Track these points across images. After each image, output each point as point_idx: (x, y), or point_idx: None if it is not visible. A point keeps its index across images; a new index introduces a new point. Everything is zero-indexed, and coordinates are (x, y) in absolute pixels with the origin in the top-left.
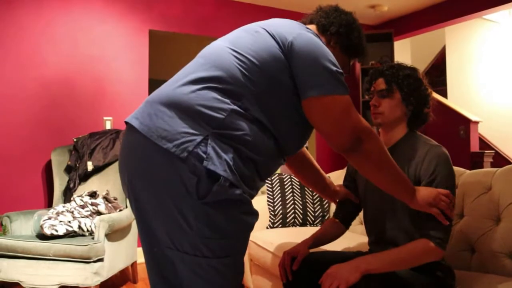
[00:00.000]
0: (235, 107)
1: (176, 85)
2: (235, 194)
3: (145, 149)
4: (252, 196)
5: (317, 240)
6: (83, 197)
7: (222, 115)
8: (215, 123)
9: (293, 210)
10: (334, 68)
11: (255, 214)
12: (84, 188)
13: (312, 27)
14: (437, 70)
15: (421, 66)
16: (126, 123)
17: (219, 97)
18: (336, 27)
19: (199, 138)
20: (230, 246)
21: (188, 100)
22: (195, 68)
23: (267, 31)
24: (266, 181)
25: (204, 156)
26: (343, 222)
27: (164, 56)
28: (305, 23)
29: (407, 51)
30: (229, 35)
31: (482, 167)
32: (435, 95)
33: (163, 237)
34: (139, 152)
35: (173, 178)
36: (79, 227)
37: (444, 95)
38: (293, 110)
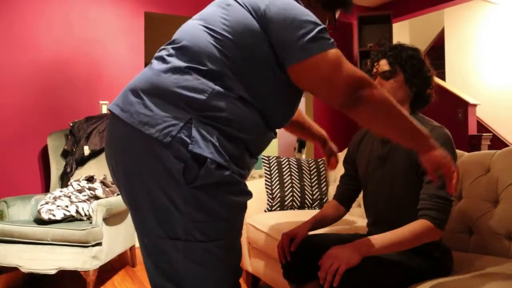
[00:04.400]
0: (217, 87)
1: (154, 68)
2: (223, 176)
3: (127, 136)
4: (243, 176)
5: (317, 222)
6: (80, 181)
7: (204, 96)
8: (197, 105)
9: (291, 193)
10: (316, 26)
11: (247, 194)
12: (81, 173)
13: None
14: (436, 53)
15: (420, 48)
16: (109, 110)
17: (199, 78)
18: None
19: (182, 122)
20: (223, 228)
21: (168, 83)
22: (172, 50)
23: (238, 2)
24: (264, 164)
25: (188, 140)
26: (343, 204)
27: (161, 40)
28: None
29: (405, 33)
30: (202, 12)
31: (479, 150)
32: (434, 78)
33: (154, 226)
34: (122, 141)
35: (157, 165)
36: (77, 211)
37: (443, 77)
38: (275, 81)
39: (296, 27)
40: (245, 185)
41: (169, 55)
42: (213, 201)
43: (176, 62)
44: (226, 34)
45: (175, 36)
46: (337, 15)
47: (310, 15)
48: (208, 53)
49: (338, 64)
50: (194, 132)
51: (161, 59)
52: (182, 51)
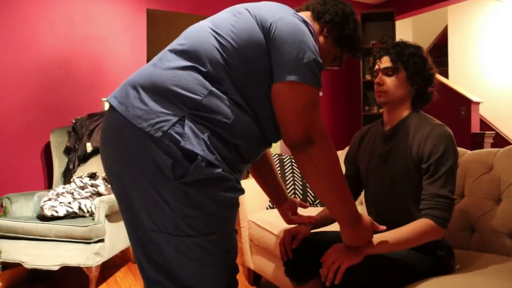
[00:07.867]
0: (214, 89)
1: (156, 65)
2: (213, 173)
3: (121, 128)
4: (236, 179)
5: (319, 221)
6: (82, 178)
7: (199, 96)
8: (191, 104)
9: (293, 191)
10: (313, 57)
11: (238, 190)
12: (83, 170)
13: (307, 13)
14: (439, 50)
15: (423, 46)
16: (108, 101)
17: (197, 78)
18: (331, 15)
19: (174, 119)
20: (214, 223)
21: (165, 80)
22: (176, 48)
23: (249, 12)
24: None
25: (178, 137)
26: None
27: (163, 37)
28: (300, 10)
29: (408, 31)
30: (214, 16)
31: (482, 147)
32: (437, 76)
33: (146, 220)
34: (116, 132)
35: (146, 160)
36: (79, 208)
37: (446, 75)
38: (269, 95)
39: (297, 49)
40: (237, 182)
41: (172, 53)
42: (202, 196)
43: (177, 60)
44: (231, 41)
45: (182, 35)
46: (343, 57)
47: (314, 45)
48: (210, 56)
49: (314, 106)
50: (187, 129)
51: (164, 57)
52: (185, 50)
